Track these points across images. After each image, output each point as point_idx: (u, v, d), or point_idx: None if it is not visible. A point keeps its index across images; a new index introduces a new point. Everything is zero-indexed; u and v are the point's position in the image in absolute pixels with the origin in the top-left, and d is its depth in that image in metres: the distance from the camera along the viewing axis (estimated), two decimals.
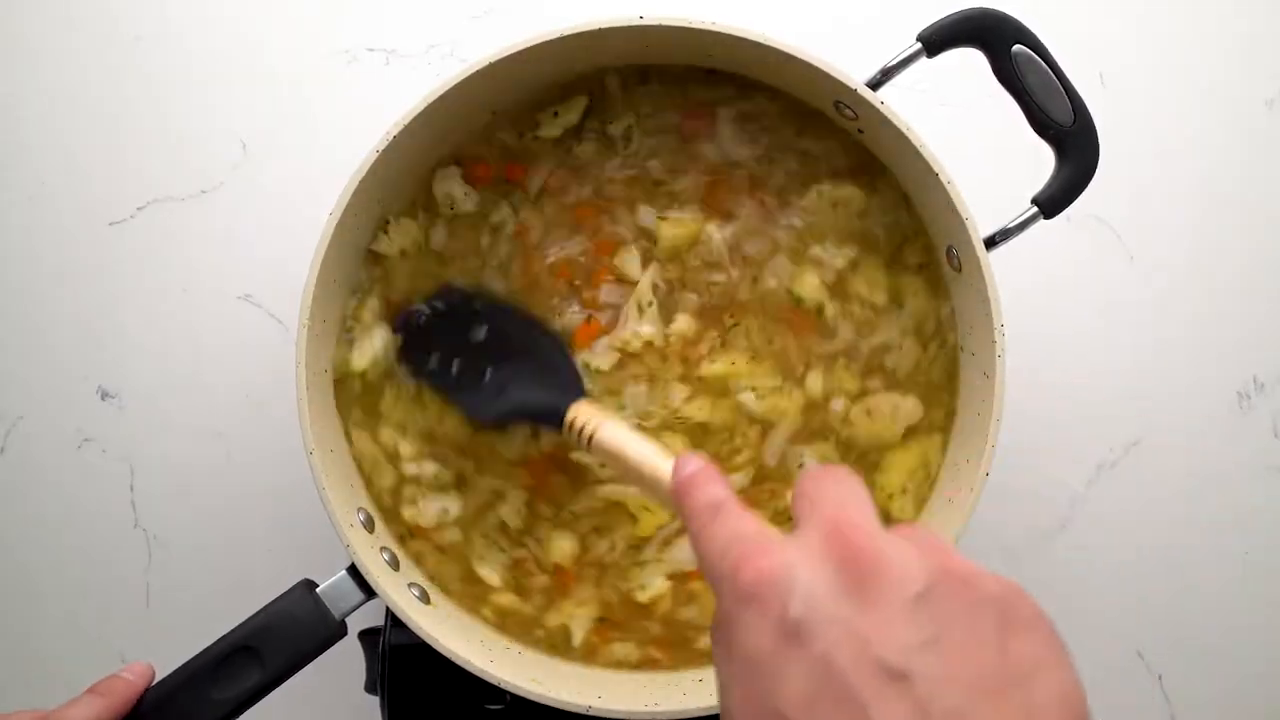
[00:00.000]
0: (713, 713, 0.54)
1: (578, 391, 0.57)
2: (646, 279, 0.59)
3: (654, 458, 0.48)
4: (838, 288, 0.59)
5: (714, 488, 0.38)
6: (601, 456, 0.52)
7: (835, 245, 0.59)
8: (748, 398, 0.59)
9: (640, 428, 0.59)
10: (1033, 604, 0.31)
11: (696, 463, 0.39)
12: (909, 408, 0.59)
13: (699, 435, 0.59)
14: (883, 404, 0.59)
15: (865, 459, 0.59)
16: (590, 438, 0.52)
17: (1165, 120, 0.72)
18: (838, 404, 0.59)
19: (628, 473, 0.50)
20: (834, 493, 0.34)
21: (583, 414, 0.54)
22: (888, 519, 0.59)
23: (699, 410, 0.59)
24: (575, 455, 0.59)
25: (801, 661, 0.29)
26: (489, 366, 0.59)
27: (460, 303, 0.59)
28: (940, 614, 0.29)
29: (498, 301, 0.59)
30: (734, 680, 0.31)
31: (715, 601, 0.33)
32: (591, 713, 0.53)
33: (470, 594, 0.59)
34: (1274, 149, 0.72)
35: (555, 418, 0.55)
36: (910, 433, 0.59)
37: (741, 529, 0.34)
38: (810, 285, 0.59)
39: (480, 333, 0.59)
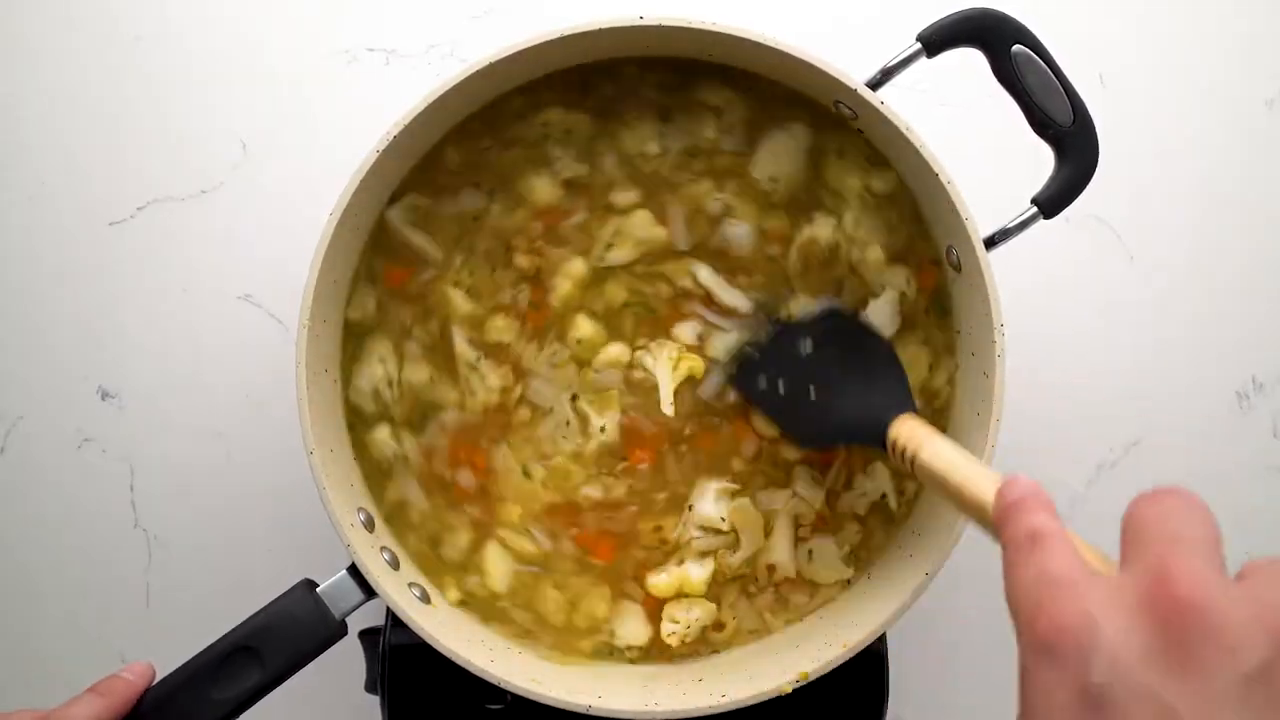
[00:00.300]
0: (713, 712, 0.54)
1: (901, 405, 0.53)
2: None
3: (981, 480, 0.42)
4: None
5: (1038, 516, 0.33)
6: (925, 479, 0.47)
7: None
8: None
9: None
10: None
11: (1024, 486, 0.34)
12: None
13: None
14: None
15: None
16: (914, 459, 0.48)
17: (1165, 120, 0.72)
18: None
19: (950, 494, 0.44)
20: (1170, 528, 0.28)
21: (905, 433, 0.49)
22: None
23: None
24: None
25: None
26: (813, 383, 0.56)
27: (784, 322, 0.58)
28: (1277, 699, 0.25)
29: (825, 311, 0.58)
30: None
31: (1018, 646, 0.30)
32: (591, 713, 0.53)
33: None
34: (1274, 149, 0.72)
35: (878, 438, 0.51)
36: None
37: (1052, 567, 0.30)
38: None
39: (806, 345, 0.57)
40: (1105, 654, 0.26)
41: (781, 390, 0.57)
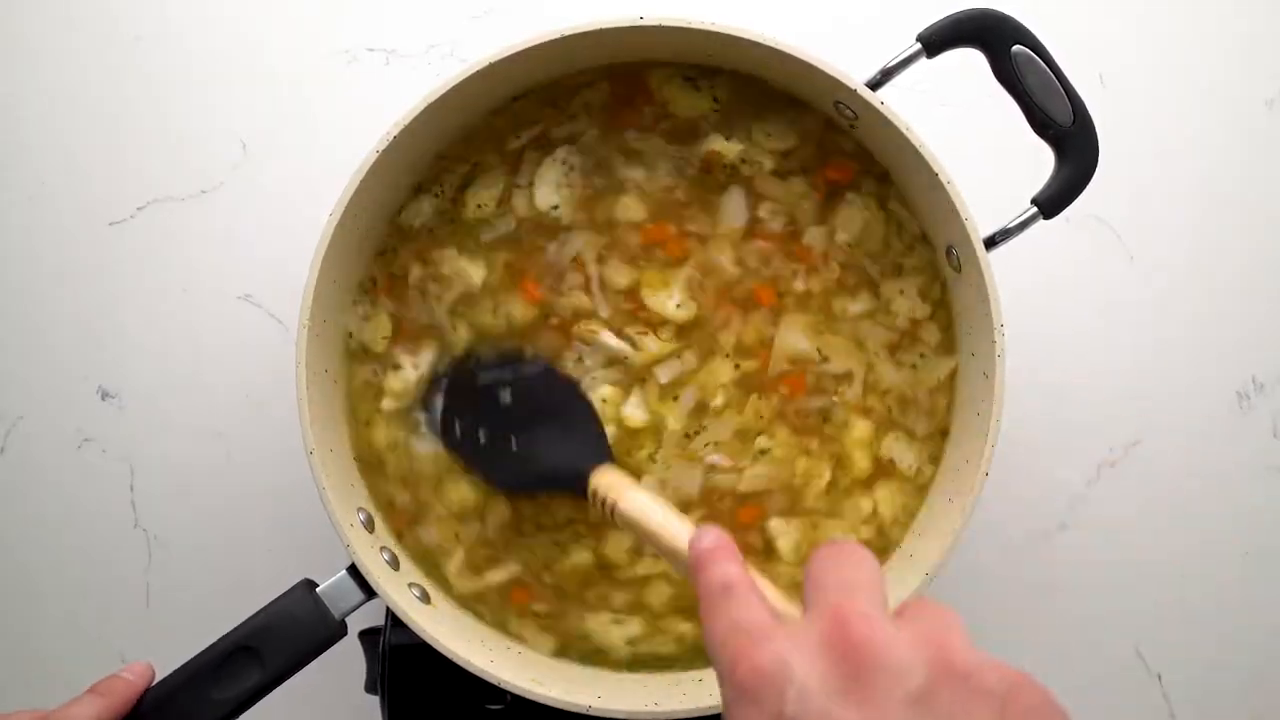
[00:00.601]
0: (713, 712, 0.54)
1: (601, 456, 0.55)
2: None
3: (675, 528, 0.46)
4: None
5: (727, 565, 0.36)
6: (625, 525, 0.51)
7: None
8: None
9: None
10: (1039, 693, 0.30)
11: (713, 536, 0.38)
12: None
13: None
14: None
15: None
16: (614, 507, 0.51)
17: (1165, 120, 0.72)
18: None
19: (649, 541, 0.48)
20: (843, 576, 0.33)
21: (604, 483, 0.52)
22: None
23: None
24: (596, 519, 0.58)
25: None
26: (515, 433, 0.57)
27: (486, 366, 0.58)
28: (937, 712, 0.29)
29: (523, 359, 0.58)
30: None
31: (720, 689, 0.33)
32: (591, 713, 0.53)
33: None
34: (1274, 149, 0.72)
35: (579, 485, 0.53)
36: None
37: (744, 618, 0.34)
38: None
39: (505, 396, 0.58)
40: (795, 689, 0.30)
41: (482, 439, 0.58)
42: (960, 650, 0.30)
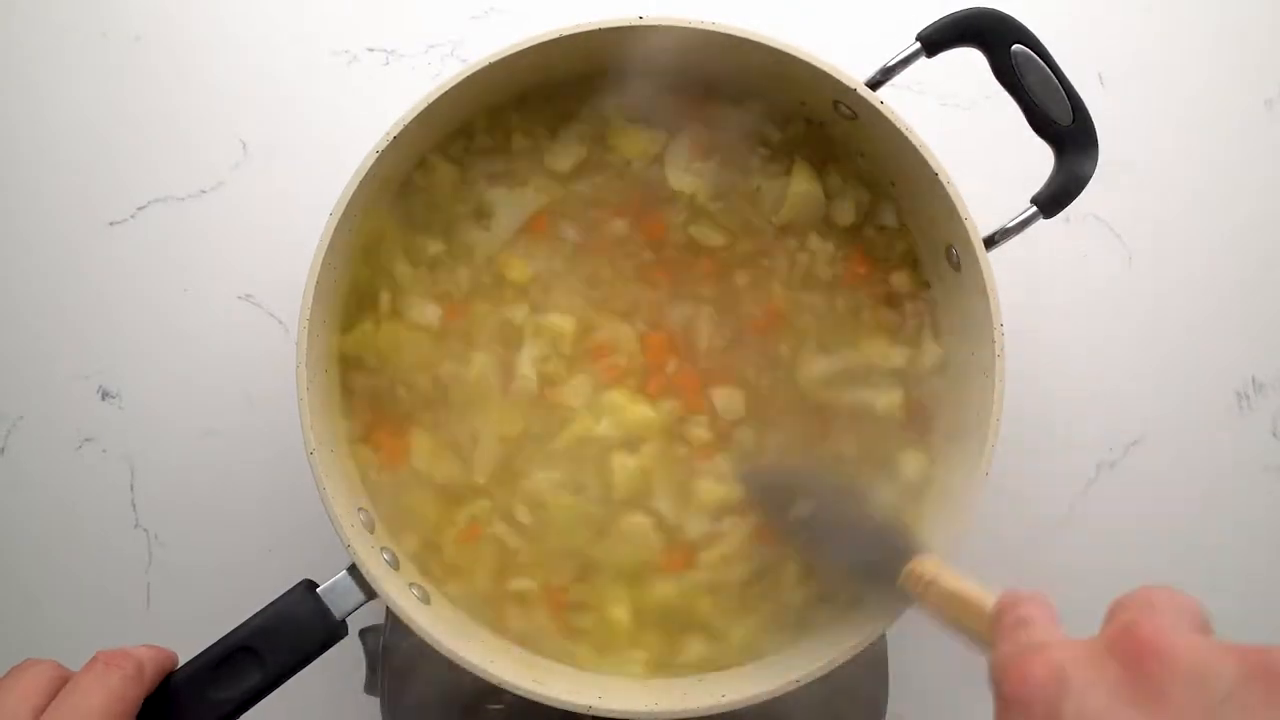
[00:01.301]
0: (713, 712, 0.54)
1: (919, 549, 0.52)
2: None
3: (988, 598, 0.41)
4: None
5: (1033, 608, 0.33)
6: (936, 603, 0.47)
7: None
8: None
9: None
10: None
11: (1028, 592, 0.35)
12: None
13: None
14: None
15: None
16: (932, 582, 0.48)
17: (1165, 120, 0.72)
18: None
19: (958, 616, 0.44)
20: (1149, 596, 0.29)
21: (929, 564, 0.49)
22: None
23: None
24: None
25: None
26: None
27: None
28: (1249, 716, 0.25)
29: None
30: None
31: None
32: (591, 713, 0.53)
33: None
34: (1274, 149, 0.72)
35: (894, 565, 0.51)
36: None
37: (1031, 637, 0.31)
38: None
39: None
40: (1074, 699, 0.26)
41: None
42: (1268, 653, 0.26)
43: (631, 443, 0.59)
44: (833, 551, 0.57)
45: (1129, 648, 0.27)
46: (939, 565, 0.48)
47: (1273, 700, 0.24)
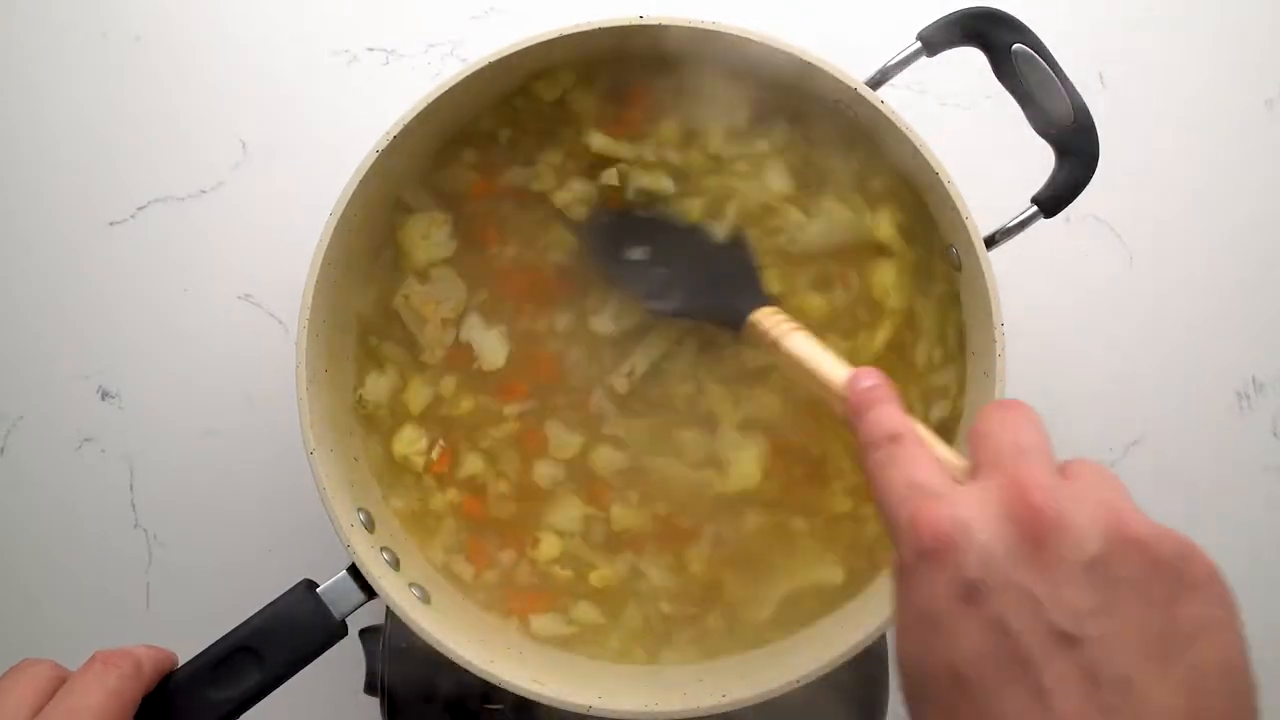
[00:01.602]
0: (713, 712, 0.54)
1: (764, 299, 0.56)
2: None
3: (833, 367, 0.47)
4: None
5: (890, 410, 0.38)
6: (782, 360, 0.51)
7: None
8: None
9: None
10: (1206, 563, 0.31)
11: (872, 377, 0.40)
12: None
13: None
14: None
15: None
16: (775, 343, 0.52)
17: (1165, 120, 0.72)
18: None
19: (807, 380, 0.49)
20: (1014, 438, 0.35)
21: (769, 321, 0.53)
22: None
23: None
24: None
25: (976, 620, 0.30)
26: (671, 263, 0.58)
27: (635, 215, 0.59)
28: (1113, 578, 0.30)
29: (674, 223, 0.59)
30: (909, 630, 0.32)
31: (893, 547, 0.34)
32: (591, 713, 0.53)
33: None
34: (1274, 149, 0.72)
35: (736, 320, 0.55)
36: None
37: (919, 477, 0.34)
38: None
39: (658, 235, 0.58)
40: (978, 554, 0.31)
41: (639, 257, 0.58)
42: (1133, 516, 0.31)
43: None
44: (677, 297, 0.57)
45: (1022, 511, 0.31)
46: (781, 324, 0.52)
47: (1130, 558, 0.30)
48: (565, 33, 0.53)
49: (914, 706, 0.33)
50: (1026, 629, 0.29)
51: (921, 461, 0.35)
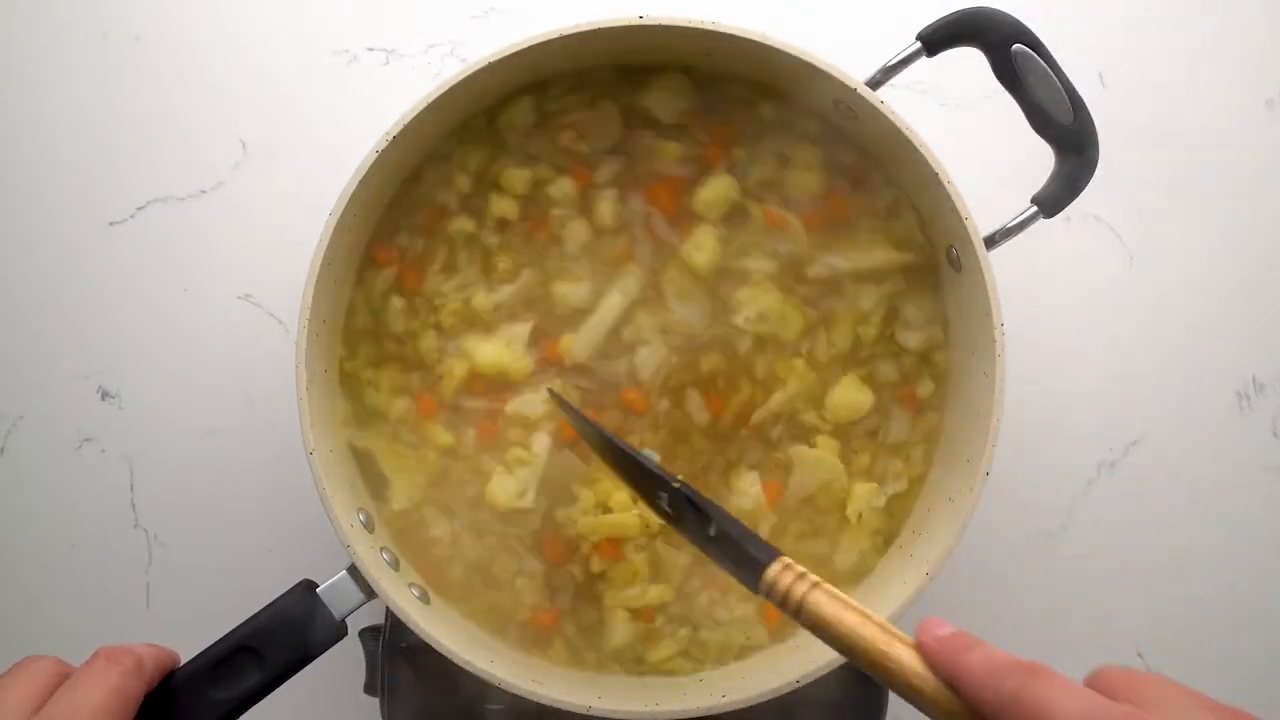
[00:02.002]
0: (713, 713, 0.54)
1: (773, 552, 0.44)
2: None
3: (882, 630, 0.38)
4: None
5: (990, 648, 0.35)
6: (811, 623, 0.41)
7: None
8: None
9: None
10: None
11: (944, 625, 0.36)
12: None
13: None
14: None
15: None
16: (799, 604, 0.41)
17: (1165, 120, 0.72)
18: None
19: (841, 642, 0.39)
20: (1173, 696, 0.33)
21: (788, 574, 0.42)
22: None
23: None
24: None
25: None
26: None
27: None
28: None
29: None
30: None
31: None
32: (592, 713, 0.53)
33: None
34: (1274, 149, 0.72)
35: (753, 567, 0.43)
36: None
37: (1091, 701, 0.33)
38: None
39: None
40: None
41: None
42: None
43: None
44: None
45: None
46: (799, 579, 0.42)
47: None
48: (565, 33, 0.53)
49: None
50: None
51: (1075, 688, 0.33)
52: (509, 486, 0.59)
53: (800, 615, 0.41)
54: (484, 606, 0.59)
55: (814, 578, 0.42)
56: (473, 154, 0.59)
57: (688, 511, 0.47)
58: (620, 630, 0.59)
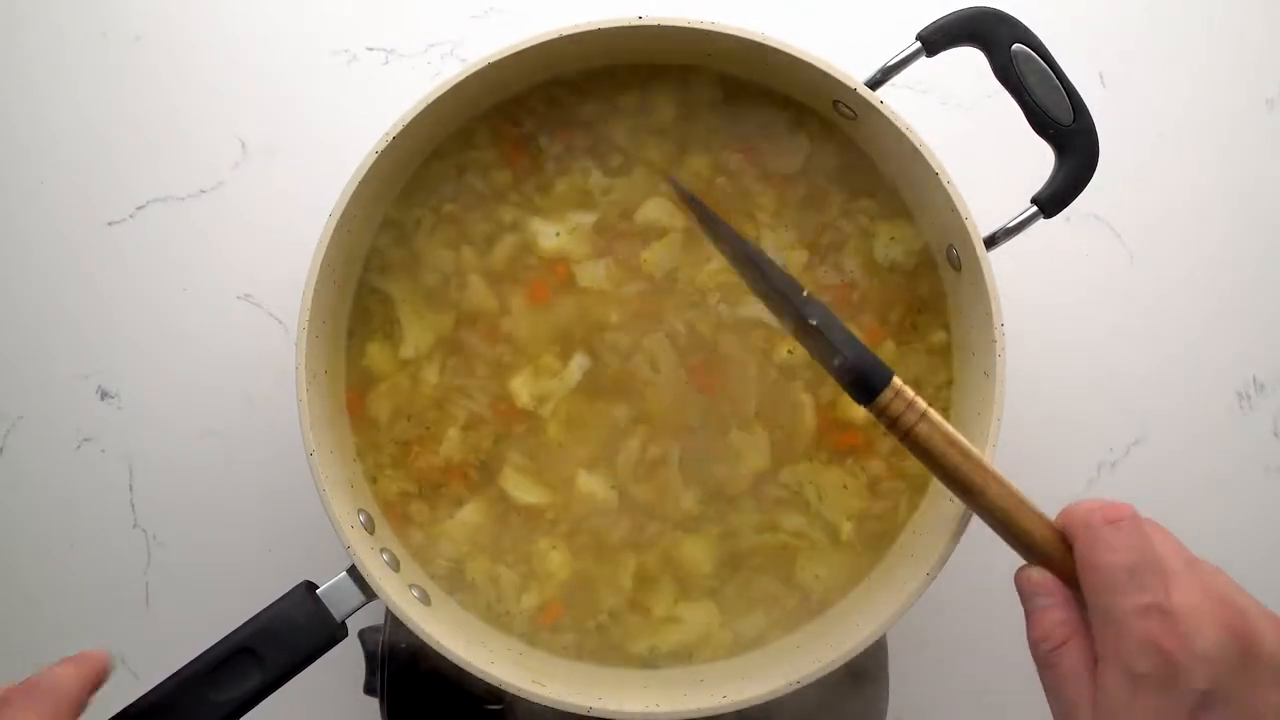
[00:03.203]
0: (713, 713, 0.54)
1: (887, 373, 0.47)
2: None
3: (980, 468, 0.45)
4: None
5: (1137, 531, 0.42)
6: (918, 450, 0.46)
7: None
8: None
9: None
10: None
11: (1119, 509, 0.43)
12: None
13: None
14: None
15: None
16: (909, 428, 0.45)
17: (1165, 120, 0.72)
18: None
19: (942, 472, 0.46)
20: (1179, 552, 0.41)
21: (899, 400, 0.46)
22: None
23: None
24: None
25: None
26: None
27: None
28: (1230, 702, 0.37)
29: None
30: None
31: (1110, 645, 0.40)
32: (592, 713, 0.53)
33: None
34: (1274, 149, 0.72)
35: (867, 388, 0.46)
36: None
37: (1157, 599, 0.39)
38: None
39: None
40: (1206, 670, 0.37)
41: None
42: (1261, 607, 0.40)
43: None
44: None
45: (1231, 635, 0.38)
46: (913, 405, 0.46)
47: (1244, 683, 0.38)
48: (565, 33, 0.53)
49: None
50: None
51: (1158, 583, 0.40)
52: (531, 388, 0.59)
53: (907, 440, 0.47)
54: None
55: (922, 406, 0.46)
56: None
57: (816, 322, 0.49)
58: (626, 623, 0.59)
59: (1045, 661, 0.43)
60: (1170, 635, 0.38)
